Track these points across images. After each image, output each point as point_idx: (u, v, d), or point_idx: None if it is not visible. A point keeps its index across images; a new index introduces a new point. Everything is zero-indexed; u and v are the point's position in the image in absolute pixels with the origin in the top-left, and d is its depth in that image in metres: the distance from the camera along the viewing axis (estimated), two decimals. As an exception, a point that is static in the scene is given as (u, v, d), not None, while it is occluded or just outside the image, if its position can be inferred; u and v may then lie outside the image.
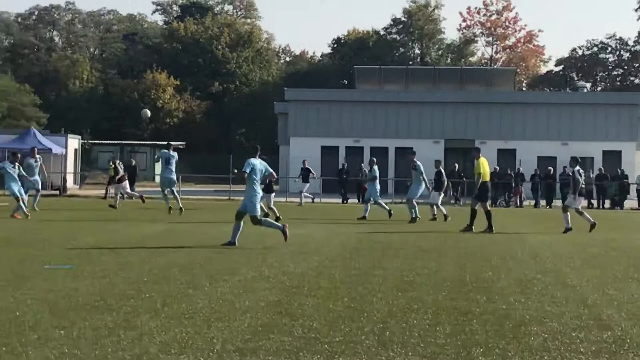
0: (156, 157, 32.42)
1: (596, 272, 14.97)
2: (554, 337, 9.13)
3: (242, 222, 18.83)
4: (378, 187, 31.64)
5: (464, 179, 47.95)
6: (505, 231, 25.17)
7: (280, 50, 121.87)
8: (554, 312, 10.65)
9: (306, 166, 42.94)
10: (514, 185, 47.89)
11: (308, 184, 42.03)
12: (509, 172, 48.67)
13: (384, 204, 31.13)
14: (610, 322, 10.08)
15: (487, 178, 25.71)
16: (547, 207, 45.91)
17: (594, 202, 47.40)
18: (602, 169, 50.52)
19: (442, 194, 31.74)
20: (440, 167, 31.63)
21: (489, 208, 25.33)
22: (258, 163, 19.02)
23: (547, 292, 12.32)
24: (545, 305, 11.11)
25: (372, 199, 31.04)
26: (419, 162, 29.67)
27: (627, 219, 35.15)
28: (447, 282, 13.30)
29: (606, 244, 21.44)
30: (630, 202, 47.91)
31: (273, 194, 29.62)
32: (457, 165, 49.25)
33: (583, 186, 25.80)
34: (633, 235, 25.16)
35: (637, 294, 12.33)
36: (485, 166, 25.60)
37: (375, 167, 31.69)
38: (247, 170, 18.66)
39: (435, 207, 30.91)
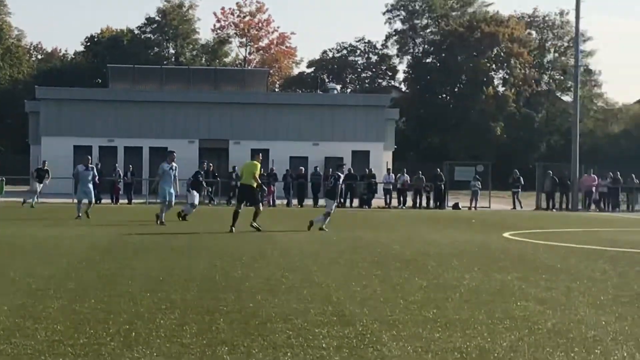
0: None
1: (342, 270, 15.40)
2: (297, 333, 9.32)
3: None
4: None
5: (218, 179, 48.31)
6: (253, 230, 25.42)
7: (32, 48, 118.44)
8: (299, 309, 10.87)
9: (45, 167, 41.47)
10: (266, 184, 48.50)
11: (42, 185, 40.57)
12: (262, 172, 49.15)
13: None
14: (353, 318, 10.38)
15: (246, 181, 25.87)
16: (299, 206, 46.77)
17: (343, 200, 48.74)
18: (351, 168, 51.96)
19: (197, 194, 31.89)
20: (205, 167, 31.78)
21: (238, 209, 25.58)
22: None
23: (294, 290, 12.57)
24: (292, 303, 11.33)
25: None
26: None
27: (375, 218, 36.25)
28: (196, 281, 13.36)
29: (353, 241, 22.07)
30: (377, 201, 49.44)
31: None
32: (211, 165, 49.37)
33: (329, 188, 27.06)
34: (379, 233, 25.99)
35: (379, 290, 12.75)
36: (242, 168, 26.09)
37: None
38: None
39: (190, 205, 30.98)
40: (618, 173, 50.65)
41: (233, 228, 24.60)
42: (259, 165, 25.91)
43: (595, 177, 50.36)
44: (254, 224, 24.87)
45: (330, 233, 24.84)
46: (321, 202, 30.35)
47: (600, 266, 16.81)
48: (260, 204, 26.17)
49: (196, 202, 31.67)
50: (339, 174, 27.89)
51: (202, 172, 33.60)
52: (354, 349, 8.64)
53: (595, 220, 38.24)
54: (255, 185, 25.67)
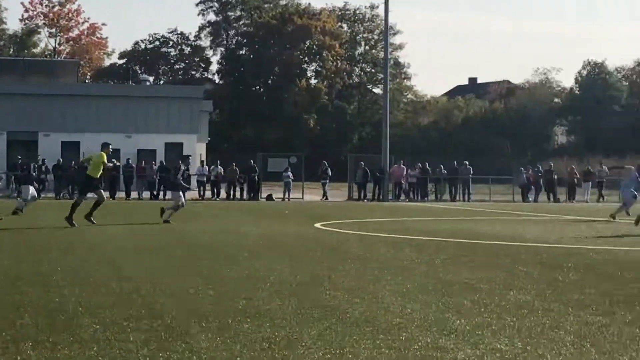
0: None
1: (153, 263, 15.28)
2: (105, 327, 9.15)
3: None
4: None
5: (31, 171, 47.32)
6: (66, 225, 24.87)
7: None
8: (108, 302, 10.69)
9: None
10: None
11: None
12: (72, 165, 48.31)
13: None
14: (163, 310, 10.27)
15: (88, 172, 25.88)
16: (111, 199, 46.11)
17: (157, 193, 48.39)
18: (164, 161, 51.61)
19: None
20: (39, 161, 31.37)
21: (78, 200, 25.80)
22: None
23: (103, 284, 12.37)
24: (100, 297, 11.14)
25: None
26: None
27: (188, 210, 35.90)
28: (1, 276, 13.00)
29: (166, 234, 21.95)
30: (190, 193, 49.13)
31: None
32: (19, 158, 48.13)
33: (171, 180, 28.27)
34: (192, 225, 25.90)
35: (190, 283, 12.65)
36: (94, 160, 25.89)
37: None
38: None
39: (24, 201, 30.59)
40: (427, 164, 52.05)
41: (73, 221, 24.43)
42: (104, 156, 25.69)
43: (405, 168, 51.54)
44: (70, 220, 24.46)
45: (165, 225, 24.70)
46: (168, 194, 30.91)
47: (407, 255, 17.21)
48: (83, 197, 25.94)
49: (34, 195, 31.18)
50: (182, 165, 29.27)
51: (37, 166, 32.95)
52: (162, 342, 8.55)
53: (405, 210, 39.14)
54: (98, 176, 25.57)
